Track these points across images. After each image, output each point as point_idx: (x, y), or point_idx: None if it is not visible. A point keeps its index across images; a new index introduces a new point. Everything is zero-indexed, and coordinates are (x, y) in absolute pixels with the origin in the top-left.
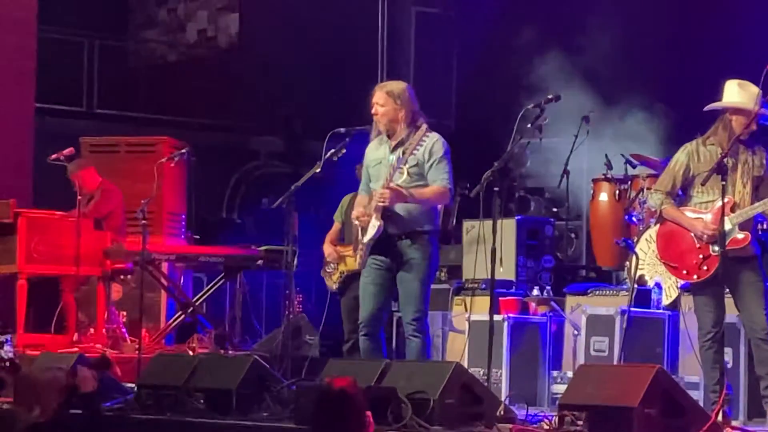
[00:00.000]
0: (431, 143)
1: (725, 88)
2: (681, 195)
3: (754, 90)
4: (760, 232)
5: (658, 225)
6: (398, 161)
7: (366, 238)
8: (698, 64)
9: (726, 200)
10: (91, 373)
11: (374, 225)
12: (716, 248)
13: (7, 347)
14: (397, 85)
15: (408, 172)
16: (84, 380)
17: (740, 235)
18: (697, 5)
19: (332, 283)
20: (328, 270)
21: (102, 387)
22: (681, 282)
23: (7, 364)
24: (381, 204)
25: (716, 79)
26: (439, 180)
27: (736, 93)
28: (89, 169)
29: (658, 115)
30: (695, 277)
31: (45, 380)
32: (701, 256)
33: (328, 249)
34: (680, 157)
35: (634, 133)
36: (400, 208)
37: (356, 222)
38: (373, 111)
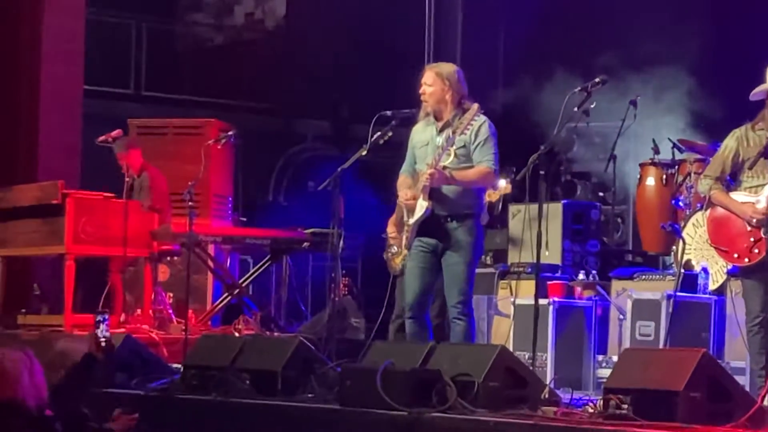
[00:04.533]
0: (478, 125)
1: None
2: (730, 181)
3: None
4: None
5: (707, 210)
6: (447, 142)
7: (413, 219)
8: (749, 49)
9: None
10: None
11: (422, 206)
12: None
13: (103, 326)
14: (447, 67)
15: (455, 154)
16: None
17: None
18: None
19: (396, 264)
20: (392, 252)
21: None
22: (728, 267)
23: (103, 344)
24: (428, 184)
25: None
26: (484, 161)
27: None
28: (136, 150)
29: (706, 100)
30: (746, 260)
31: (68, 350)
32: (752, 239)
33: (392, 228)
34: (729, 142)
35: (682, 118)
36: (446, 189)
37: (403, 203)
38: (420, 91)
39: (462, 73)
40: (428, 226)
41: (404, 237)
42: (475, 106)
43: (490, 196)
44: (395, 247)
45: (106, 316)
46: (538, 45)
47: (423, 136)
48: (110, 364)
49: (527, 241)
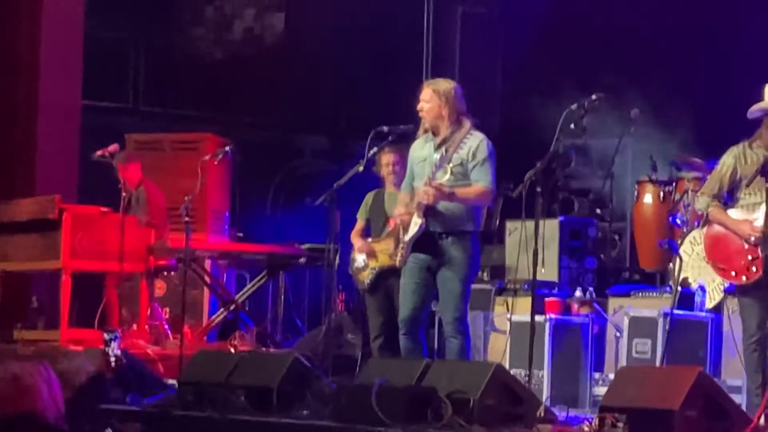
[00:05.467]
0: (476, 143)
1: (765, 91)
2: (728, 198)
3: None
4: None
5: (705, 227)
6: (441, 159)
7: (408, 236)
8: (747, 68)
9: None
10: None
11: (416, 222)
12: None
13: (114, 345)
14: (445, 83)
15: (452, 171)
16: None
17: None
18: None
19: (364, 279)
20: (356, 266)
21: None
22: (725, 285)
23: (114, 362)
24: (423, 202)
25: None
26: (481, 180)
27: None
28: (136, 164)
29: (704, 118)
30: (744, 278)
31: (73, 368)
32: (750, 257)
33: (359, 242)
34: (727, 159)
35: (679, 136)
36: (442, 206)
37: (398, 221)
38: (418, 107)
39: (460, 89)
40: (423, 243)
41: (399, 253)
42: (468, 122)
43: None
44: (361, 260)
45: (117, 335)
46: (537, 60)
47: (421, 152)
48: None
49: (524, 258)
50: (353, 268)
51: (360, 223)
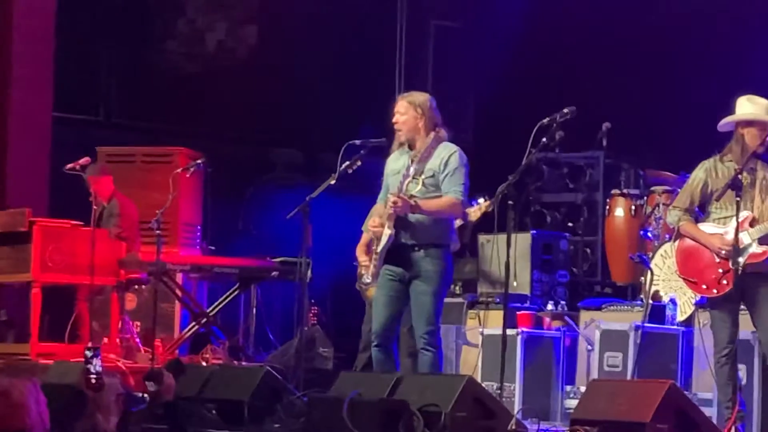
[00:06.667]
0: (448, 154)
1: (736, 104)
2: (699, 213)
3: (764, 102)
4: None
5: (675, 241)
6: (407, 169)
7: (379, 248)
8: (716, 80)
9: (746, 215)
10: (172, 379)
11: (386, 233)
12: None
13: (96, 362)
14: (420, 96)
15: (423, 183)
16: (168, 388)
17: (759, 250)
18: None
19: (371, 294)
20: (364, 282)
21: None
22: (696, 298)
23: (94, 380)
24: (392, 212)
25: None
26: (451, 191)
27: (746, 106)
28: (108, 177)
29: (675, 131)
30: (715, 291)
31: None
32: (721, 270)
33: (363, 257)
34: (698, 173)
35: (650, 149)
36: (414, 218)
37: (371, 231)
38: (393, 120)
39: (435, 101)
40: (396, 255)
41: (371, 265)
42: (432, 134)
43: (472, 215)
44: (367, 277)
45: (98, 351)
46: (509, 74)
47: (396, 164)
48: None
49: (496, 271)
50: (361, 283)
51: (365, 237)
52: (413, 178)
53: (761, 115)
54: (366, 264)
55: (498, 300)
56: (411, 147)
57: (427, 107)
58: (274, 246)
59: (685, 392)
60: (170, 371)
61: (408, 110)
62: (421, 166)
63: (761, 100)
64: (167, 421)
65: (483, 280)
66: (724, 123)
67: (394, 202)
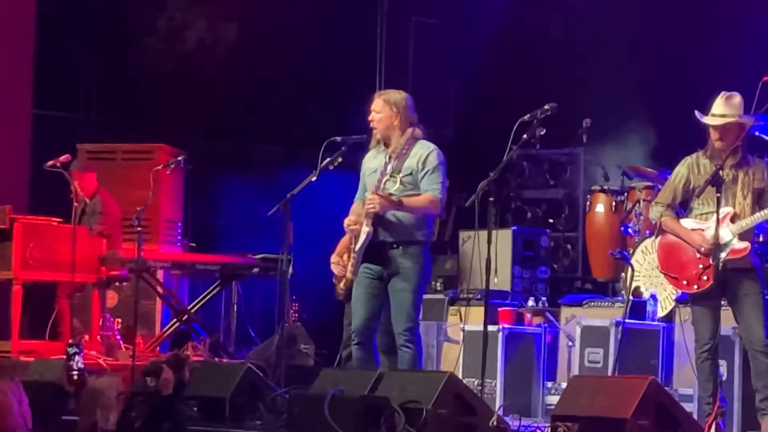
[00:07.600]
0: (426, 153)
1: (714, 103)
2: (681, 211)
3: (735, 101)
4: (756, 245)
5: (657, 237)
6: (391, 169)
7: (357, 246)
8: (700, 76)
9: (727, 211)
10: (171, 374)
11: (364, 232)
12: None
13: (78, 358)
14: (396, 94)
15: (401, 181)
16: (165, 382)
17: (740, 245)
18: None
19: (339, 290)
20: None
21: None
22: (677, 294)
23: (76, 377)
24: (370, 210)
25: (717, 90)
26: (430, 189)
27: (716, 105)
28: (92, 173)
29: (656, 127)
30: (696, 287)
31: (100, 387)
32: (701, 266)
33: (334, 258)
34: (680, 170)
35: (631, 145)
36: (391, 215)
37: (348, 230)
38: (369, 118)
39: (412, 100)
40: (374, 253)
41: (350, 263)
42: (409, 131)
43: None
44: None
45: (81, 348)
46: (490, 71)
47: (373, 163)
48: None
49: (477, 268)
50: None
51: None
52: (391, 176)
53: (732, 116)
54: (335, 262)
55: (479, 296)
56: (386, 145)
57: (403, 106)
58: (255, 243)
59: (666, 388)
60: (170, 366)
61: (384, 108)
62: (399, 165)
63: (733, 100)
64: (150, 419)
65: (464, 276)
66: (699, 114)
67: (371, 201)
